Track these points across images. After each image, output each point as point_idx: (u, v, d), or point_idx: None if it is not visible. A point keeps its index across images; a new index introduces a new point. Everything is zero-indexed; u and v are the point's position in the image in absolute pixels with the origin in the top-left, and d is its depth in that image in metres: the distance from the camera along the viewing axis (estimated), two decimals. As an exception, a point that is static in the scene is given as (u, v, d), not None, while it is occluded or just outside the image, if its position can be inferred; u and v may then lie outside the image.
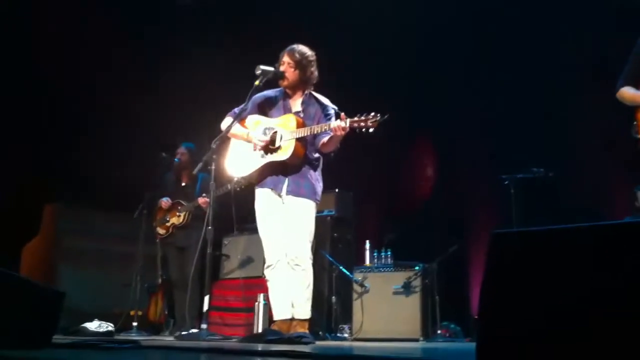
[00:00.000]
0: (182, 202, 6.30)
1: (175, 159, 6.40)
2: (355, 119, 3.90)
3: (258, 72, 4.26)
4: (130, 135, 7.75)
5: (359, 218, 6.99)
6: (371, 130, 3.86)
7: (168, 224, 6.34)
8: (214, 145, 4.34)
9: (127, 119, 7.79)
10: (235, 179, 5.38)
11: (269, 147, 4.23)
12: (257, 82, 4.26)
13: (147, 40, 8.03)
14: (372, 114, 3.87)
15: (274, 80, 4.37)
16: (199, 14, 7.99)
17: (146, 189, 6.20)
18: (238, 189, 5.49)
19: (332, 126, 3.99)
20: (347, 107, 4.21)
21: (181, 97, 8.12)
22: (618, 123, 4.11)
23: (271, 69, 4.29)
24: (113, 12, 7.82)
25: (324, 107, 4.36)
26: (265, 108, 4.45)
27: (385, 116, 3.87)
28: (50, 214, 7.05)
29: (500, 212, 6.31)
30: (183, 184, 6.49)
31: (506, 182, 5.97)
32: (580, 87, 6.53)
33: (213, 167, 4.59)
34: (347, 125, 3.91)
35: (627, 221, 1.49)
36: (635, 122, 3.83)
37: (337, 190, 6.47)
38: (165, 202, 6.40)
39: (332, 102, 4.41)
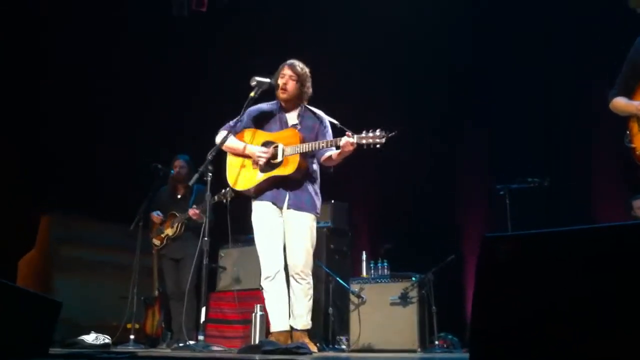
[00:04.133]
0: (176, 214, 6.30)
1: (171, 171, 6.40)
2: (363, 135, 3.95)
3: (253, 83, 4.28)
4: (125, 146, 7.78)
5: (355, 229, 6.99)
6: (379, 146, 3.91)
7: (162, 235, 6.34)
8: (209, 157, 4.35)
9: (122, 129, 7.82)
10: (223, 190, 5.39)
11: (270, 161, 4.25)
12: (252, 94, 4.28)
13: (143, 53, 8.06)
14: (378, 130, 3.92)
15: (269, 91, 4.40)
16: (192, 23, 8.03)
17: (141, 201, 6.19)
18: (224, 200, 5.48)
19: (341, 142, 4.02)
20: (344, 120, 4.26)
21: (175, 108, 8.15)
22: (613, 133, 4.14)
23: (267, 80, 4.31)
24: (113, 20, 7.87)
25: (321, 120, 4.40)
26: (260, 121, 4.46)
27: (394, 133, 3.91)
28: (46, 226, 7.04)
29: (496, 223, 6.33)
30: (178, 196, 6.49)
31: (501, 193, 5.99)
32: (576, 97, 6.58)
33: (209, 179, 4.60)
34: (356, 141, 3.96)
35: (619, 224, 1.50)
36: (628, 132, 3.85)
37: (332, 201, 6.46)
38: (155, 216, 6.40)
39: (328, 113, 4.45)
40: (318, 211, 4.37)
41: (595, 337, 1.43)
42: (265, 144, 4.30)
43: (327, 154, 4.26)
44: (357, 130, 3.99)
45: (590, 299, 1.46)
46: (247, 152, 4.33)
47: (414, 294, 5.73)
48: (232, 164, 4.45)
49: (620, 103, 3.92)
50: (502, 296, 1.58)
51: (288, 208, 4.26)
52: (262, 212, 4.33)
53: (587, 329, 1.45)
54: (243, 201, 4.62)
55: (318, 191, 4.41)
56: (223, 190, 5.40)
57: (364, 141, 3.94)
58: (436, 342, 5.77)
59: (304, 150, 4.16)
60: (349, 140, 3.97)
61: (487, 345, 1.57)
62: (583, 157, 6.66)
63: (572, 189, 6.46)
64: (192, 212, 6.04)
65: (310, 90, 4.44)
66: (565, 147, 6.69)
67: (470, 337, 1.63)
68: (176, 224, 6.26)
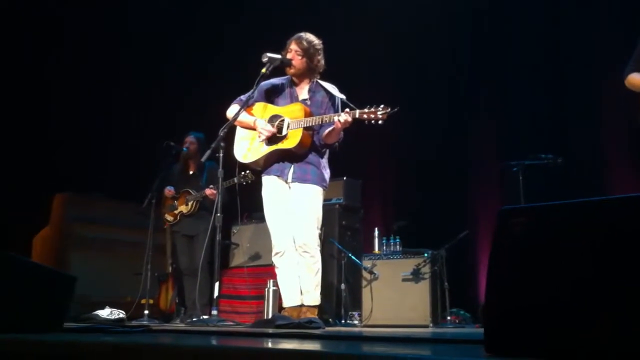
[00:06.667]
0: (191, 191, 6.32)
1: (184, 148, 6.41)
2: (365, 110, 3.92)
3: (265, 59, 4.26)
4: (138, 124, 7.80)
5: (367, 206, 6.99)
6: (380, 122, 3.88)
7: (176, 212, 6.37)
8: (221, 133, 4.34)
9: (135, 108, 7.85)
10: (243, 173, 5.42)
11: (276, 135, 4.25)
12: (263, 70, 4.26)
13: (155, 31, 8.06)
14: (382, 106, 3.89)
15: (280, 67, 4.38)
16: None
17: (154, 178, 6.21)
18: (244, 183, 5.51)
19: (337, 119, 4.01)
20: (353, 96, 4.24)
21: (188, 85, 8.16)
22: (628, 108, 4.11)
23: (278, 56, 4.30)
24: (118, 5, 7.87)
25: (330, 95, 4.37)
26: (271, 95, 4.46)
27: (396, 109, 3.89)
28: (60, 204, 7.09)
29: (508, 199, 6.30)
30: (190, 173, 6.51)
31: (514, 169, 5.95)
32: (589, 72, 6.51)
33: (221, 155, 4.59)
34: (351, 119, 3.95)
35: (636, 194, 1.48)
36: (642, 108, 3.83)
37: (345, 178, 6.47)
38: (168, 190, 6.42)
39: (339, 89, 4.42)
40: (325, 184, 4.35)
41: (616, 310, 1.41)
42: (273, 118, 4.31)
43: (326, 132, 4.23)
44: (362, 106, 3.97)
45: (609, 272, 1.44)
46: (255, 125, 4.33)
47: (426, 270, 5.74)
48: (240, 138, 4.47)
49: (636, 79, 3.90)
50: (519, 270, 1.57)
51: (293, 181, 4.26)
52: (269, 187, 4.35)
53: (607, 303, 1.43)
54: (258, 178, 4.63)
55: (326, 165, 4.39)
56: (243, 173, 5.43)
57: (365, 116, 3.92)
58: (448, 318, 5.80)
59: (307, 125, 4.15)
60: (346, 117, 3.96)
61: (502, 318, 1.57)
62: (596, 134, 6.60)
63: (585, 166, 6.40)
64: (209, 191, 6.04)
65: (322, 63, 4.40)
66: (580, 122, 6.61)
67: (485, 310, 1.63)
68: (191, 202, 6.28)
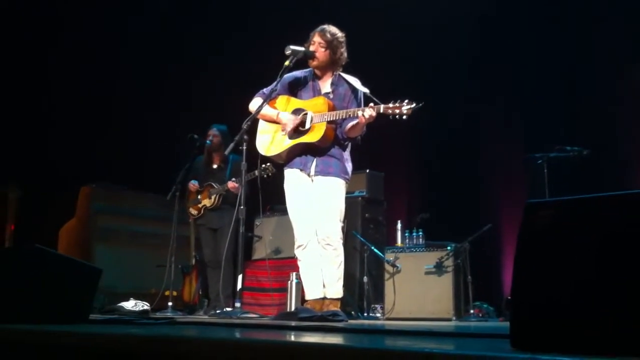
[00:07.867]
0: (214, 185, 6.34)
1: (207, 141, 6.42)
2: (390, 105, 3.90)
3: (288, 52, 4.26)
4: (163, 117, 7.84)
5: (390, 198, 6.97)
6: (405, 117, 3.86)
7: (200, 205, 6.39)
8: (244, 126, 4.34)
9: (160, 101, 7.88)
10: (263, 165, 5.42)
11: (299, 128, 4.25)
12: (287, 63, 4.26)
13: (155, 31, 8.07)
14: (406, 101, 3.87)
15: (303, 60, 4.37)
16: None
17: (178, 171, 6.24)
18: (265, 176, 5.51)
19: (361, 114, 3.99)
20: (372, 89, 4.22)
21: (213, 79, 8.17)
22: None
23: (301, 48, 4.30)
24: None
25: (353, 89, 4.36)
26: (294, 88, 4.46)
27: (420, 104, 3.86)
28: (85, 196, 7.17)
29: (533, 192, 6.24)
30: (214, 166, 6.53)
31: (539, 161, 5.89)
32: (616, 63, 6.42)
33: (244, 148, 4.60)
34: (375, 114, 3.93)
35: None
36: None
37: (368, 170, 6.46)
38: (192, 185, 6.44)
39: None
40: (348, 177, 4.33)
41: None
42: (296, 111, 4.30)
43: (349, 126, 4.22)
44: (384, 100, 3.95)
45: (636, 267, 1.42)
46: (279, 119, 4.33)
47: (449, 263, 5.72)
48: (263, 131, 4.47)
49: None
50: (545, 264, 1.55)
51: (315, 174, 4.25)
52: (292, 180, 4.34)
53: (632, 298, 1.41)
54: (280, 170, 4.63)
55: (349, 158, 4.38)
56: (263, 166, 5.43)
57: (389, 111, 3.89)
58: (471, 311, 5.76)
59: (331, 119, 4.14)
60: (371, 112, 3.94)
61: (528, 313, 1.55)
62: (624, 124, 6.50)
63: (613, 157, 6.31)
64: (232, 185, 6.07)
65: (345, 55, 4.38)
66: (606, 113, 6.52)
67: (511, 304, 1.62)
68: (214, 196, 6.30)
